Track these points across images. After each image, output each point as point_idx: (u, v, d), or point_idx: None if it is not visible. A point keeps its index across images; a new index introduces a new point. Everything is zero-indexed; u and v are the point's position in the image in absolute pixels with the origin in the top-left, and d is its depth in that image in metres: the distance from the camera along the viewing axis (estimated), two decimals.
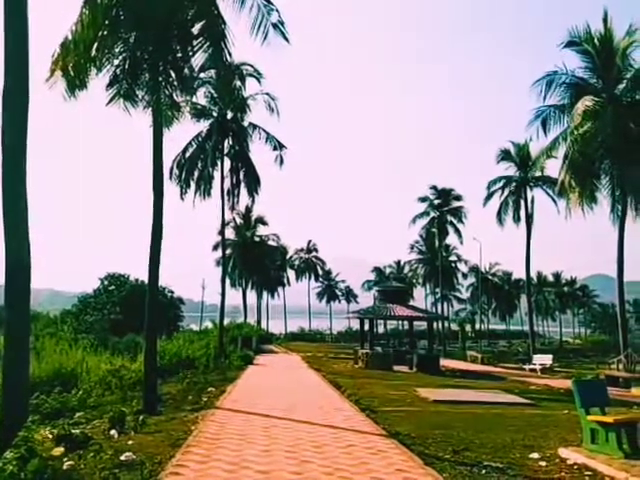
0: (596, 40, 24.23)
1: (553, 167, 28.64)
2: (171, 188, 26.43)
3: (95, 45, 11.51)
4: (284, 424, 9.19)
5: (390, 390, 15.23)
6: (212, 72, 19.39)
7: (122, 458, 6.45)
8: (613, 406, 8.89)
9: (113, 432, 8.14)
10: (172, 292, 43.22)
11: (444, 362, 28.81)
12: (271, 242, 61.50)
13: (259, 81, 28.03)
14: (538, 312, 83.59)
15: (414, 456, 6.93)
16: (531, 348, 38.88)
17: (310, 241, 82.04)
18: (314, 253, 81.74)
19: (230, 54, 12.04)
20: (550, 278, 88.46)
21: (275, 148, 28.41)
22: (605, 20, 24.40)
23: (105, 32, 11.60)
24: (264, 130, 28.65)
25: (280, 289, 72.82)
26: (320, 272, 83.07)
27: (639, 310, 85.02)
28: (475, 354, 38.15)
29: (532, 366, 28.48)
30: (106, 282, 43.21)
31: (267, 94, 27.94)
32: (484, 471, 6.39)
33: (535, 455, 7.35)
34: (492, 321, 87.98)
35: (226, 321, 37.93)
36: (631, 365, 22.53)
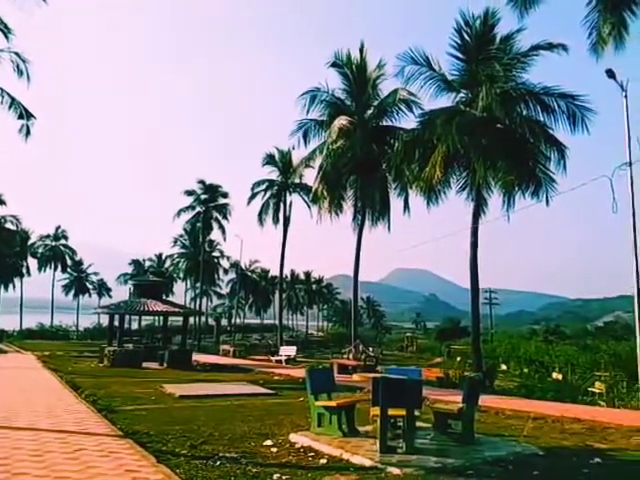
0: (354, 66, 27.22)
1: (311, 176, 31.15)
2: None
3: None
4: (0, 433, 7.97)
5: (135, 388, 14.60)
6: None
7: None
8: (340, 391, 9.98)
9: None
10: None
11: (197, 357, 28.84)
12: (9, 225, 53.83)
13: (7, 36, 24.00)
14: (289, 307, 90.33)
15: (148, 455, 6.69)
16: (279, 340, 41.61)
17: (59, 227, 73.72)
18: (63, 241, 73.68)
19: None
20: (302, 276, 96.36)
21: (21, 116, 24.63)
22: (361, 50, 27.54)
23: None
24: (8, 94, 24.59)
25: (17, 280, 63.81)
26: (69, 262, 75.28)
27: (370, 307, 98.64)
28: (227, 348, 39.12)
29: (278, 357, 30.30)
30: None
31: (16, 53, 24.07)
32: (219, 462, 6.52)
33: (268, 442, 7.79)
34: (248, 315, 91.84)
35: None
36: (358, 354, 25.85)
